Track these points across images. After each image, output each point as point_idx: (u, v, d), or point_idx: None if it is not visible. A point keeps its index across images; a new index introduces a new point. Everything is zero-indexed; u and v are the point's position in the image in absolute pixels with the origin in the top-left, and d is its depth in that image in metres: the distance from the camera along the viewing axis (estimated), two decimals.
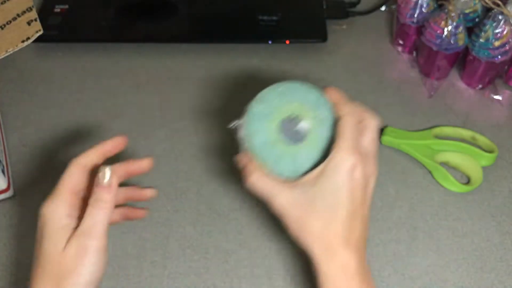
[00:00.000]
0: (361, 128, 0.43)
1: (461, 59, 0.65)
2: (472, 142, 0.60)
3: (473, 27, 0.63)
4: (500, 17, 0.58)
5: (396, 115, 0.64)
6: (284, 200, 0.41)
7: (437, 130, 0.61)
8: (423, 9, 0.65)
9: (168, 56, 0.71)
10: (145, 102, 0.66)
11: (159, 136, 0.62)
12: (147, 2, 0.76)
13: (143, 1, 0.76)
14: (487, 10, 0.62)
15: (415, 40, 0.68)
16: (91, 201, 0.40)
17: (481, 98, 0.65)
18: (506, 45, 0.60)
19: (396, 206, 0.56)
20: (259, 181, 0.42)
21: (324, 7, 0.74)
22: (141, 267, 0.52)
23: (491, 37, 0.60)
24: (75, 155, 0.61)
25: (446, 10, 0.60)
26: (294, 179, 0.42)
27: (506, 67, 0.64)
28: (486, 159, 0.58)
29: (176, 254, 0.53)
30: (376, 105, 0.65)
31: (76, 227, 0.40)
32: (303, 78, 0.66)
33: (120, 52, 0.71)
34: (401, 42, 0.70)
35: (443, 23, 0.60)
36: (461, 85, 0.67)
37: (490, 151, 0.59)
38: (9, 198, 0.57)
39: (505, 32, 0.59)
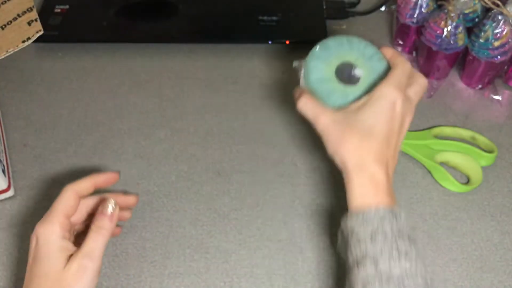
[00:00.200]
0: (410, 81, 0.47)
1: (461, 59, 0.65)
2: (472, 142, 0.61)
3: (472, 27, 0.63)
4: (499, 17, 0.58)
5: None
6: (327, 119, 0.46)
7: (437, 130, 0.61)
8: (423, 9, 0.65)
9: (168, 56, 0.71)
10: (145, 102, 0.66)
11: (159, 136, 0.63)
12: (147, 2, 0.76)
13: (143, 1, 0.76)
14: (486, 10, 0.63)
15: (414, 40, 0.68)
16: (94, 227, 0.44)
17: (480, 98, 0.65)
18: (506, 45, 0.60)
19: None
20: (307, 103, 0.48)
21: (324, 7, 0.74)
22: (141, 267, 0.52)
23: (490, 37, 0.60)
24: (75, 155, 0.61)
25: (445, 10, 0.60)
26: None
27: (505, 67, 0.64)
28: (486, 159, 0.59)
29: (176, 254, 0.53)
30: None
31: (71, 248, 0.44)
32: None
33: (120, 52, 0.71)
34: (401, 42, 0.70)
35: (442, 23, 0.61)
36: (461, 85, 0.67)
37: (489, 151, 0.59)
38: (9, 198, 0.57)
39: (504, 32, 0.59)
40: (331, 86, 0.48)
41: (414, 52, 0.70)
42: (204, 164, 0.60)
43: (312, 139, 0.62)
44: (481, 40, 0.61)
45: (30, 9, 0.67)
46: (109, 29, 0.72)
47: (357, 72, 0.49)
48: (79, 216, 0.48)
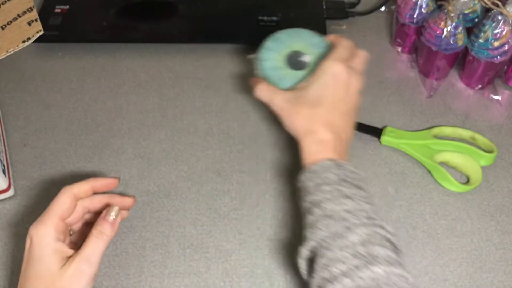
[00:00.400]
0: (353, 54, 0.53)
1: (461, 59, 0.65)
2: (472, 142, 0.61)
3: (472, 28, 0.63)
4: (499, 17, 0.58)
5: (396, 115, 0.64)
6: (279, 99, 0.52)
7: (437, 130, 0.61)
8: (423, 10, 0.65)
9: (168, 56, 0.71)
10: (145, 102, 0.66)
11: (159, 136, 0.63)
12: (147, 2, 0.76)
13: (143, 1, 0.76)
14: (486, 10, 0.63)
15: (414, 40, 0.68)
16: (95, 232, 0.45)
17: (480, 98, 0.66)
18: (505, 45, 0.60)
19: (395, 206, 0.56)
20: (262, 89, 0.54)
21: (324, 7, 0.74)
22: (141, 266, 0.52)
23: (490, 37, 0.60)
24: (75, 155, 0.61)
25: (445, 11, 0.60)
26: None
27: (505, 67, 0.64)
28: (486, 159, 0.59)
29: (176, 254, 0.53)
30: (375, 105, 0.65)
31: (65, 251, 0.44)
32: None
33: (120, 52, 0.72)
34: (400, 42, 0.70)
35: (442, 23, 0.61)
36: (461, 85, 0.67)
37: (489, 151, 0.59)
38: (9, 198, 0.57)
39: (504, 33, 0.59)
40: (283, 72, 0.55)
41: (413, 52, 0.70)
42: (204, 164, 0.60)
43: None
44: (480, 40, 0.61)
45: (30, 9, 0.67)
46: (109, 29, 0.72)
47: (305, 58, 0.55)
48: (75, 216, 0.47)
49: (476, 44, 0.61)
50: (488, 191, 0.57)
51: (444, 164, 0.59)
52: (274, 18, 0.72)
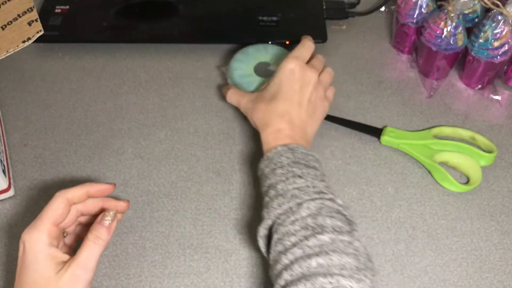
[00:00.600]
0: (312, 55, 0.59)
1: (461, 60, 0.65)
2: (471, 142, 0.61)
3: (472, 28, 0.63)
4: (499, 17, 0.58)
5: (396, 115, 0.64)
6: (246, 100, 0.58)
7: (436, 130, 0.61)
8: (423, 10, 0.65)
9: (168, 57, 0.71)
10: (145, 102, 0.66)
11: (159, 136, 0.63)
12: (147, 2, 0.76)
13: (143, 1, 0.76)
14: (486, 10, 0.63)
15: (414, 40, 0.68)
16: (92, 236, 0.45)
17: (480, 98, 0.66)
18: (505, 45, 0.60)
19: (395, 206, 0.56)
20: (232, 94, 0.60)
21: (324, 7, 0.74)
22: (141, 266, 0.52)
23: (490, 37, 0.60)
24: (75, 155, 0.61)
25: (445, 11, 0.60)
26: None
27: (505, 67, 0.64)
28: (485, 159, 0.59)
29: (176, 254, 0.53)
30: (375, 105, 0.65)
31: (59, 256, 0.44)
32: None
33: (120, 52, 0.72)
34: (400, 42, 0.70)
35: (442, 23, 0.61)
36: (461, 85, 0.67)
37: (489, 151, 0.59)
38: (9, 198, 0.57)
39: (504, 33, 0.59)
40: (251, 79, 0.63)
41: (413, 53, 0.70)
42: (204, 164, 0.60)
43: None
44: (480, 40, 0.61)
45: (30, 9, 0.67)
46: (109, 29, 0.72)
47: (272, 68, 0.64)
48: (69, 220, 0.47)
49: (476, 44, 0.61)
50: (488, 191, 0.57)
51: (444, 164, 0.59)
52: (274, 18, 0.72)
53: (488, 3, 0.59)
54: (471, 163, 0.58)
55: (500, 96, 0.65)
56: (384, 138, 0.60)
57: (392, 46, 0.72)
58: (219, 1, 0.76)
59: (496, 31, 0.59)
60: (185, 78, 0.69)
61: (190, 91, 0.67)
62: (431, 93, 0.66)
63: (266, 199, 0.48)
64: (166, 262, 0.53)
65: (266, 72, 0.63)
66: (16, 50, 0.64)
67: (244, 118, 0.64)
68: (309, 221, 0.44)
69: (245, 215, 0.56)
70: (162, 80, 0.68)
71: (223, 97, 0.64)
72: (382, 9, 0.75)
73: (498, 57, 0.61)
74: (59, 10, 0.74)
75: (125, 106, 0.66)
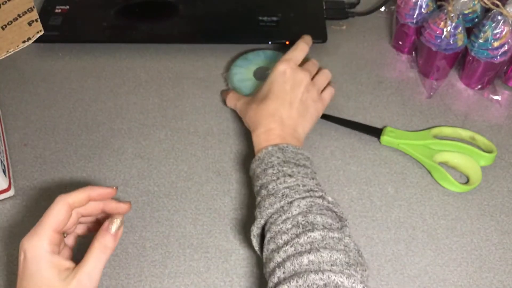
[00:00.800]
0: (305, 59, 0.60)
1: (460, 60, 0.65)
2: (471, 142, 0.61)
3: (472, 28, 0.63)
4: (499, 17, 0.59)
5: (395, 115, 0.64)
6: (241, 102, 0.59)
7: (436, 130, 0.61)
8: (423, 10, 0.65)
9: (168, 57, 0.71)
10: (145, 102, 0.66)
11: (159, 136, 0.63)
12: (147, 2, 0.76)
13: (143, 1, 0.76)
14: (486, 10, 0.63)
15: (414, 40, 0.68)
16: (98, 244, 0.43)
17: (480, 98, 0.66)
18: (505, 46, 0.60)
19: (395, 206, 0.56)
20: (231, 98, 0.62)
21: (324, 7, 0.74)
22: (141, 266, 0.52)
23: (490, 37, 0.60)
24: (76, 155, 0.61)
25: (445, 11, 0.60)
26: None
27: (505, 67, 0.64)
28: (485, 159, 0.59)
29: (176, 254, 0.53)
30: (375, 105, 0.65)
31: (62, 263, 0.42)
32: None
33: (120, 52, 0.72)
34: (400, 42, 0.70)
35: (442, 23, 0.61)
36: (460, 85, 0.67)
37: (489, 151, 0.59)
38: (9, 198, 0.57)
39: (504, 33, 0.59)
40: (251, 82, 0.65)
41: (413, 53, 0.70)
42: (204, 164, 0.60)
43: (311, 139, 0.62)
44: (480, 41, 0.61)
45: (30, 9, 0.67)
46: (109, 29, 0.72)
47: (270, 72, 0.62)
48: (70, 223, 0.45)
49: (476, 44, 0.61)
50: (487, 191, 0.57)
51: (443, 164, 0.59)
52: (274, 19, 0.72)
53: (488, 3, 0.59)
54: (471, 163, 0.58)
55: (500, 96, 0.65)
56: (384, 138, 0.60)
57: (392, 46, 0.72)
58: (219, 1, 0.76)
59: (496, 31, 0.59)
60: (185, 78, 0.69)
61: (190, 91, 0.67)
62: (431, 93, 0.66)
63: (258, 198, 0.49)
64: (166, 262, 0.53)
65: (265, 76, 0.63)
66: (16, 50, 0.64)
67: None
68: (300, 219, 0.45)
69: (245, 215, 0.56)
70: (162, 80, 0.69)
71: (223, 101, 0.65)
72: (382, 9, 0.75)
73: (498, 57, 0.61)
74: (59, 10, 0.74)
75: (125, 106, 0.66)
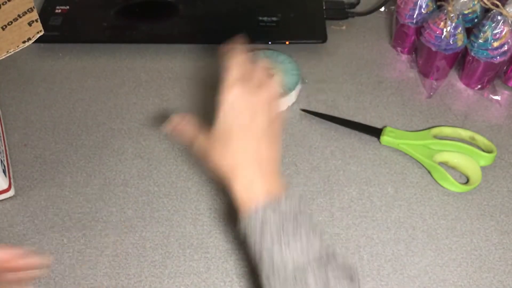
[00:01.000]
0: (250, 68, 0.50)
1: (460, 60, 0.65)
2: (471, 142, 0.61)
3: (472, 28, 0.63)
4: (499, 17, 0.59)
5: (395, 115, 0.64)
6: (201, 141, 0.49)
7: (436, 130, 0.61)
8: (422, 10, 0.65)
9: (168, 57, 0.71)
10: (145, 102, 0.66)
11: (159, 136, 0.63)
12: (147, 2, 0.76)
13: (143, 1, 0.76)
14: (486, 10, 0.63)
15: (414, 40, 0.68)
16: None
17: (480, 98, 0.66)
18: (505, 46, 0.60)
19: (395, 206, 0.56)
20: (187, 132, 0.51)
21: (324, 8, 0.74)
22: (141, 266, 0.52)
23: (490, 37, 0.60)
24: (76, 155, 0.61)
25: (445, 11, 0.60)
26: None
27: (505, 67, 0.64)
28: (485, 159, 0.59)
29: (176, 254, 0.53)
30: (375, 105, 0.65)
31: None
32: (303, 78, 0.67)
33: (120, 52, 0.72)
34: (400, 42, 0.70)
35: (442, 23, 0.61)
36: (460, 85, 0.67)
37: (489, 151, 0.59)
38: (9, 198, 0.57)
39: (504, 33, 0.59)
40: None
41: (413, 53, 0.70)
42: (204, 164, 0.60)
43: (311, 139, 0.62)
44: (480, 41, 0.61)
45: (30, 10, 0.67)
46: (109, 29, 0.72)
47: (271, 72, 0.61)
48: None
49: (476, 44, 0.61)
50: (487, 191, 0.57)
51: (443, 164, 0.59)
52: (274, 19, 0.72)
53: (488, 3, 0.59)
54: (471, 163, 0.58)
55: (499, 96, 0.65)
56: (384, 138, 0.60)
57: (392, 46, 0.72)
58: (219, 1, 0.76)
59: (495, 31, 0.59)
60: (185, 78, 0.69)
61: (190, 91, 0.67)
62: (431, 93, 0.66)
63: (261, 266, 0.44)
64: (166, 262, 0.53)
65: None
66: (16, 50, 0.64)
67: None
68: None
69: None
70: (162, 80, 0.69)
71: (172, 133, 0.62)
72: (382, 9, 0.75)
73: (498, 57, 0.61)
74: (59, 10, 0.74)
75: (125, 106, 0.66)
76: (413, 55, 0.70)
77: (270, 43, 0.71)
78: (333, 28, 0.74)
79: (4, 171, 0.56)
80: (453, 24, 0.60)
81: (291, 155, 0.60)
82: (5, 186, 0.56)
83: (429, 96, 0.66)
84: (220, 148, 0.47)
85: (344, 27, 0.75)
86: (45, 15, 0.72)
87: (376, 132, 0.61)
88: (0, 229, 0.55)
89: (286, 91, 0.63)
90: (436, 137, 0.61)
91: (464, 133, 0.61)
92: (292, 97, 0.64)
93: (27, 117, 0.65)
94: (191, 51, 0.72)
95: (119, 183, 0.58)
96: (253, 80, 0.49)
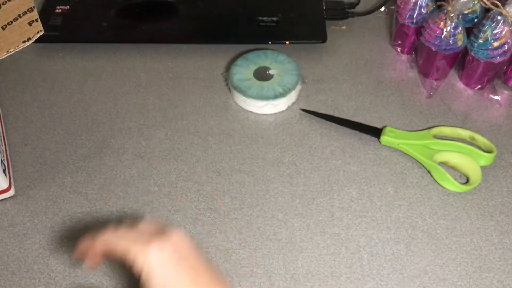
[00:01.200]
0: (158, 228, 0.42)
1: (460, 60, 0.65)
2: (471, 142, 0.61)
3: (472, 28, 0.63)
4: (499, 17, 0.59)
5: (395, 115, 0.64)
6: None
7: (436, 130, 0.61)
8: (422, 10, 0.65)
9: (168, 57, 0.71)
10: (145, 102, 0.66)
11: (159, 136, 0.63)
12: (147, 2, 0.76)
13: (143, 1, 0.76)
14: (486, 10, 0.63)
15: (414, 40, 0.68)
16: None
17: (480, 98, 0.66)
18: (505, 46, 0.60)
19: (395, 206, 0.56)
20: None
21: (324, 8, 0.74)
22: None
23: (490, 37, 0.60)
24: (76, 155, 0.61)
25: (445, 11, 0.60)
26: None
27: (504, 67, 0.64)
28: (485, 159, 0.59)
29: None
30: (375, 105, 0.65)
31: None
32: (303, 78, 0.67)
33: (120, 52, 0.72)
34: (400, 42, 0.70)
35: (442, 23, 0.61)
36: (460, 85, 0.67)
37: (488, 151, 0.59)
38: (10, 198, 0.57)
39: (503, 33, 0.59)
40: (250, 82, 0.64)
41: (413, 53, 0.70)
42: (204, 164, 0.60)
43: (311, 139, 0.62)
44: (480, 41, 0.61)
45: (30, 10, 0.67)
46: (109, 29, 0.72)
47: (271, 71, 0.65)
48: None
49: (476, 44, 0.61)
50: (487, 191, 0.57)
51: (443, 164, 0.59)
52: (274, 19, 0.72)
53: (488, 3, 0.59)
54: (471, 163, 0.58)
55: (499, 96, 0.65)
56: (384, 138, 0.60)
57: (392, 46, 0.72)
58: (219, 1, 0.76)
59: (495, 31, 0.59)
60: (185, 79, 0.69)
61: (190, 91, 0.67)
62: (431, 93, 0.66)
63: None
64: None
65: (265, 76, 0.65)
66: (16, 50, 0.64)
67: (244, 118, 0.64)
68: None
69: (245, 215, 0.56)
70: (162, 80, 0.69)
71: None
72: (382, 9, 0.75)
73: (498, 57, 0.61)
74: (60, 10, 0.74)
75: (125, 106, 0.66)
76: (413, 55, 0.70)
77: (270, 43, 0.71)
78: (333, 28, 0.74)
79: (4, 171, 0.56)
80: (453, 24, 0.60)
81: (291, 155, 0.60)
82: (5, 186, 0.56)
83: (429, 96, 0.66)
84: None
85: (344, 27, 0.75)
86: (45, 15, 0.72)
87: (376, 132, 0.61)
88: (0, 229, 0.55)
89: (286, 91, 0.63)
90: (436, 137, 0.61)
91: (464, 133, 0.61)
92: (292, 97, 0.64)
93: (27, 117, 0.65)
94: (191, 51, 0.72)
95: (119, 183, 0.58)
96: (152, 237, 0.40)
